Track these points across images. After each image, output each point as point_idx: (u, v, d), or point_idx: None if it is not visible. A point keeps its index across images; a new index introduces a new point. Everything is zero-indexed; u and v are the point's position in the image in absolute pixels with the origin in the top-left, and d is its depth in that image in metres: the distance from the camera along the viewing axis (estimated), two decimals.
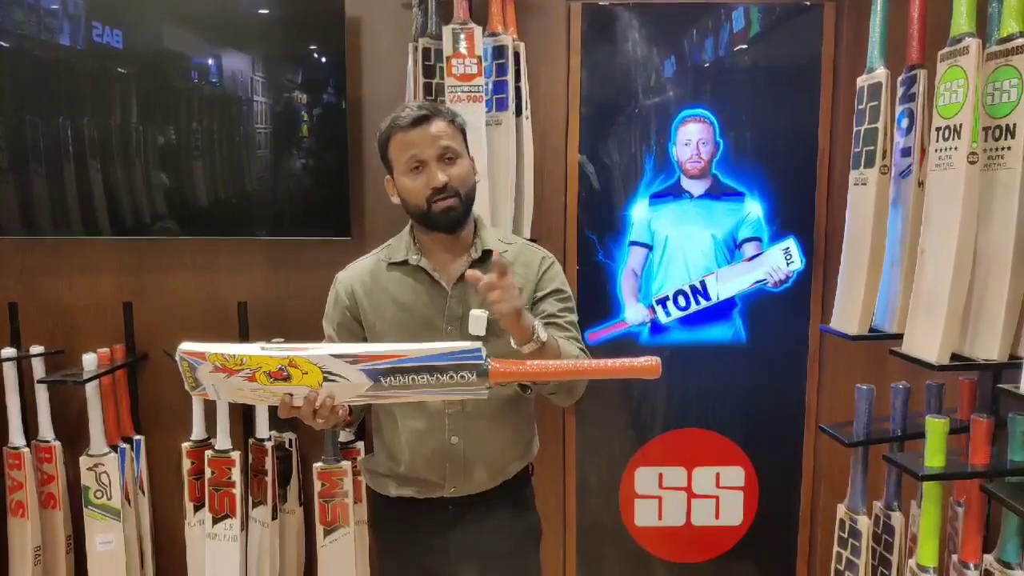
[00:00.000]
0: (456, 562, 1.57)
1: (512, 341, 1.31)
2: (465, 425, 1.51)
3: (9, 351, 2.23)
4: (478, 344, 1.20)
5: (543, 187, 2.26)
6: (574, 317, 1.55)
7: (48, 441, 2.26)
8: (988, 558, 1.58)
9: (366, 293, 1.53)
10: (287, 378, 1.21)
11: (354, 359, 1.20)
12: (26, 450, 2.23)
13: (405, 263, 1.52)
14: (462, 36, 2.03)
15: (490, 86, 2.08)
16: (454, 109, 1.55)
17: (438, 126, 1.44)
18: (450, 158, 1.44)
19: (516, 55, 2.12)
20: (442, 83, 2.06)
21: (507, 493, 1.59)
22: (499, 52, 2.08)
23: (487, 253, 1.51)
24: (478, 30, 2.04)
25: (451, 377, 1.19)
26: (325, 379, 1.21)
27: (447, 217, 1.44)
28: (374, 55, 2.27)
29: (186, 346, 1.25)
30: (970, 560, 1.62)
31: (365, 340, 1.53)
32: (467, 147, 1.50)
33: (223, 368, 1.22)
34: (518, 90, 2.12)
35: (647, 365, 1.20)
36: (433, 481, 1.53)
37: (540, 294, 1.53)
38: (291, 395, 1.24)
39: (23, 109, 2.19)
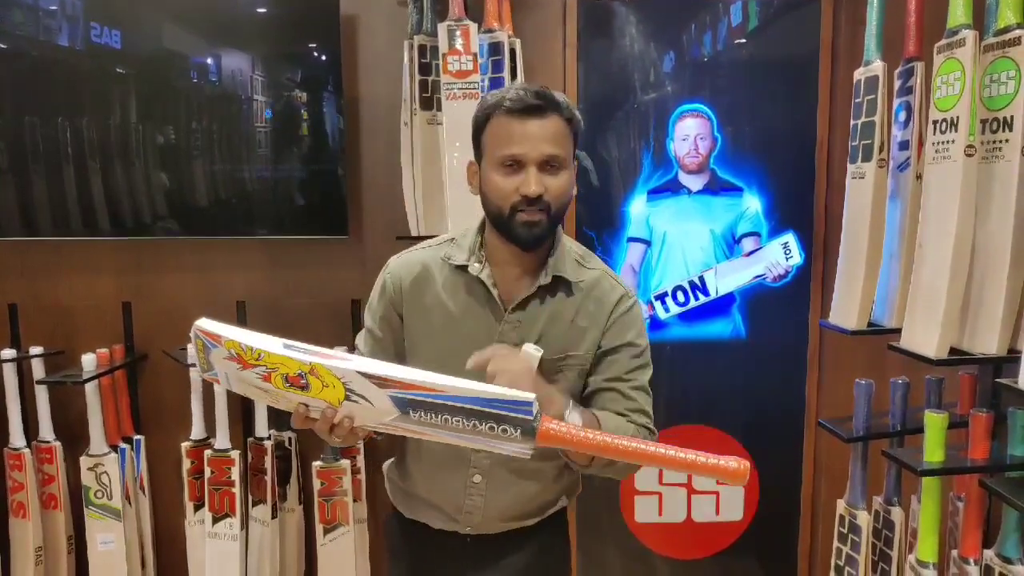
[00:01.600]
0: None
1: None
2: (492, 465, 1.33)
3: (9, 352, 2.24)
4: (531, 396, 1.02)
5: None
6: (646, 378, 1.33)
7: (48, 442, 2.26)
8: (988, 553, 1.57)
9: (415, 289, 1.32)
10: (305, 387, 1.08)
11: (383, 382, 1.05)
12: (27, 451, 2.23)
13: (465, 268, 1.30)
14: (457, 33, 2.02)
15: (486, 83, 2.06)
16: (572, 107, 1.27)
17: (554, 124, 1.21)
18: (554, 167, 1.21)
19: (512, 52, 2.11)
20: (438, 80, 2.06)
21: (535, 531, 1.41)
22: (495, 49, 2.07)
23: (558, 280, 1.29)
24: (473, 27, 2.03)
25: (491, 428, 1.03)
26: (347, 397, 1.07)
27: (528, 233, 1.22)
28: (371, 53, 2.27)
29: (203, 324, 1.12)
30: (970, 555, 1.61)
31: (402, 340, 1.36)
32: (575, 153, 1.28)
33: (237, 358, 1.09)
34: None
35: (735, 469, 0.97)
36: (448, 514, 1.38)
37: (609, 345, 1.31)
38: (306, 406, 1.11)
39: (22, 110, 2.19)
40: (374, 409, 1.07)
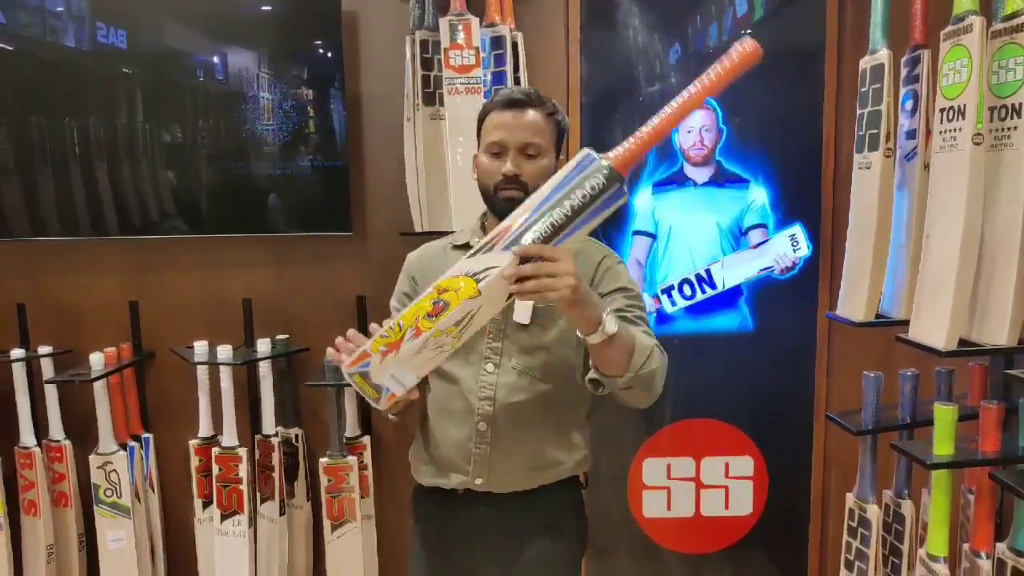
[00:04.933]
0: (484, 565, 1.54)
1: (577, 330, 1.26)
2: (496, 414, 1.47)
3: (18, 352, 2.25)
4: (585, 150, 1.19)
5: None
6: (644, 315, 1.47)
7: (58, 440, 2.27)
8: (1000, 546, 1.55)
9: (424, 271, 1.51)
10: (446, 306, 1.20)
11: (490, 246, 1.20)
12: (37, 450, 2.25)
13: (467, 245, 1.48)
14: (459, 27, 2.01)
15: (488, 77, 2.06)
16: (557, 106, 1.48)
17: (532, 116, 1.41)
18: (532, 154, 1.40)
19: (514, 45, 2.10)
20: (440, 75, 2.05)
21: (545, 498, 1.52)
22: (497, 43, 2.07)
23: None
24: (475, 21, 2.03)
25: (583, 196, 1.17)
26: (478, 281, 1.20)
27: (508, 207, 1.37)
28: (372, 49, 2.26)
29: (344, 363, 1.24)
30: (982, 548, 1.59)
31: None
32: (558, 147, 1.47)
33: (389, 348, 1.22)
34: (517, 81, 2.11)
35: (746, 51, 1.17)
36: (460, 466, 1.49)
37: (601, 291, 1.44)
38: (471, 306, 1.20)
39: (29, 111, 2.20)
40: (502, 267, 1.19)
